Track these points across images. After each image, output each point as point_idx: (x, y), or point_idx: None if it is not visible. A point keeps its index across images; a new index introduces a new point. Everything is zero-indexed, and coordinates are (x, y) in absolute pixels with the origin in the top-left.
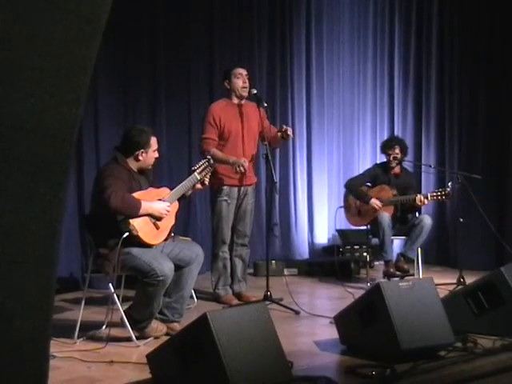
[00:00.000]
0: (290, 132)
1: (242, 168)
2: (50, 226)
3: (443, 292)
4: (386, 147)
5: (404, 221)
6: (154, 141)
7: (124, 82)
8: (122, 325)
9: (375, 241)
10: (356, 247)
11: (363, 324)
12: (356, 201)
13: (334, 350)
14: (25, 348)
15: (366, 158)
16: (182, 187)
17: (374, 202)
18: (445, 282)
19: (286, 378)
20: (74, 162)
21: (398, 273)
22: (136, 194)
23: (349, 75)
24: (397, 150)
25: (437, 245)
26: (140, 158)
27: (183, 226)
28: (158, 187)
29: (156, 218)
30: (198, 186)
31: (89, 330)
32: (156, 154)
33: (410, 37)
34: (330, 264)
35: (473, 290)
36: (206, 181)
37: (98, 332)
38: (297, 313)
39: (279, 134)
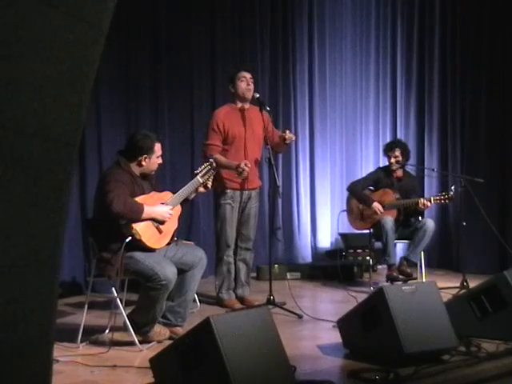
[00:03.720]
0: (289, 135)
1: (244, 172)
2: (53, 229)
3: (446, 296)
4: (387, 149)
5: (407, 224)
6: (158, 147)
7: (126, 86)
8: (124, 329)
9: (378, 245)
10: (359, 251)
11: (366, 328)
12: (358, 204)
13: (337, 353)
14: (28, 352)
15: (369, 161)
16: (185, 191)
17: (376, 206)
18: (448, 285)
19: (289, 382)
20: (77, 166)
21: (401, 277)
22: (138, 198)
23: (351, 78)
24: (397, 153)
25: (440, 248)
26: (143, 163)
27: (186, 229)
28: (161, 191)
29: (159, 222)
30: (201, 189)
31: (92, 335)
32: (159, 160)
33: (412, 40)
34: (332, 268)
35: (476, 294)
36: (209, 184)
37: (100, 336)
38: (300, 317)
39: (281, 137)
